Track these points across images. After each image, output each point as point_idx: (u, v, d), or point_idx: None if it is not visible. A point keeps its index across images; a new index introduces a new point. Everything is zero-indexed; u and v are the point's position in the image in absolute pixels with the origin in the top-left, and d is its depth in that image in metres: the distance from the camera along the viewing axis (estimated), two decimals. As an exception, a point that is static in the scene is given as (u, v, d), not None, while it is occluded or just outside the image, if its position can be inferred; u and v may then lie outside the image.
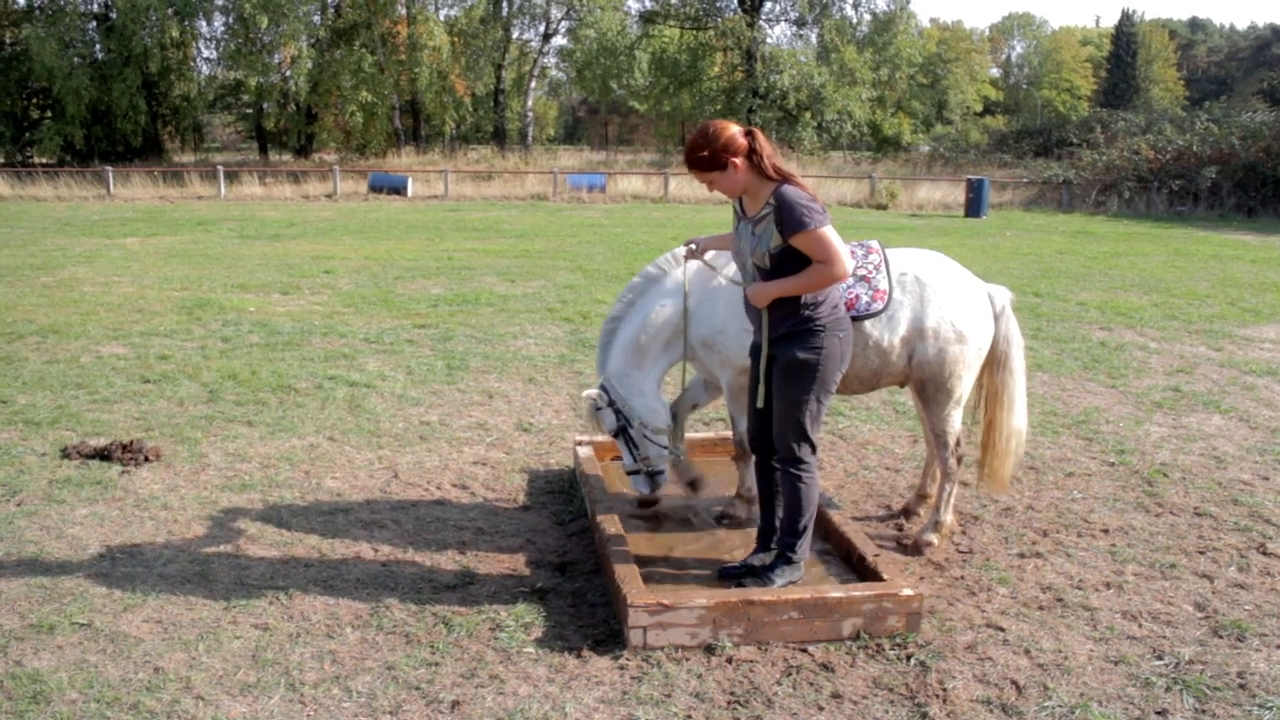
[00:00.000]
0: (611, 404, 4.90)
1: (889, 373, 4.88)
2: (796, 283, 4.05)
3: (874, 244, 4.86)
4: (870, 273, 4.73)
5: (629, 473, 5.03)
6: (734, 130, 4.05)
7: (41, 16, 38.79)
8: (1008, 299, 5.12)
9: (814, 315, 4.15)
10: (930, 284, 4.83)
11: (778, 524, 4.50)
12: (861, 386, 4.97)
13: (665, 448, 4.93)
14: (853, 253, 4.84)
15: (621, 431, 4.94)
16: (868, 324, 4.73)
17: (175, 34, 38.31)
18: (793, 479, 4.29)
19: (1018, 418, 5.17)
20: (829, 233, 4.00)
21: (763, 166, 4.05)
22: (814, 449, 4.30)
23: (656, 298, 4.94)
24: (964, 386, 4.93)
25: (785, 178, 4.08)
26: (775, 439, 4.32)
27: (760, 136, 4.07)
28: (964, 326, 4.83)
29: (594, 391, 4.89)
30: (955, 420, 4.99)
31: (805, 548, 4.42)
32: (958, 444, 5.03)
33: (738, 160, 4.04)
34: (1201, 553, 5.08)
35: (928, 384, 4.88)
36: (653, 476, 5.01)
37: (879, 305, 4.71)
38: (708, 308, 4.83)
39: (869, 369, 4.83)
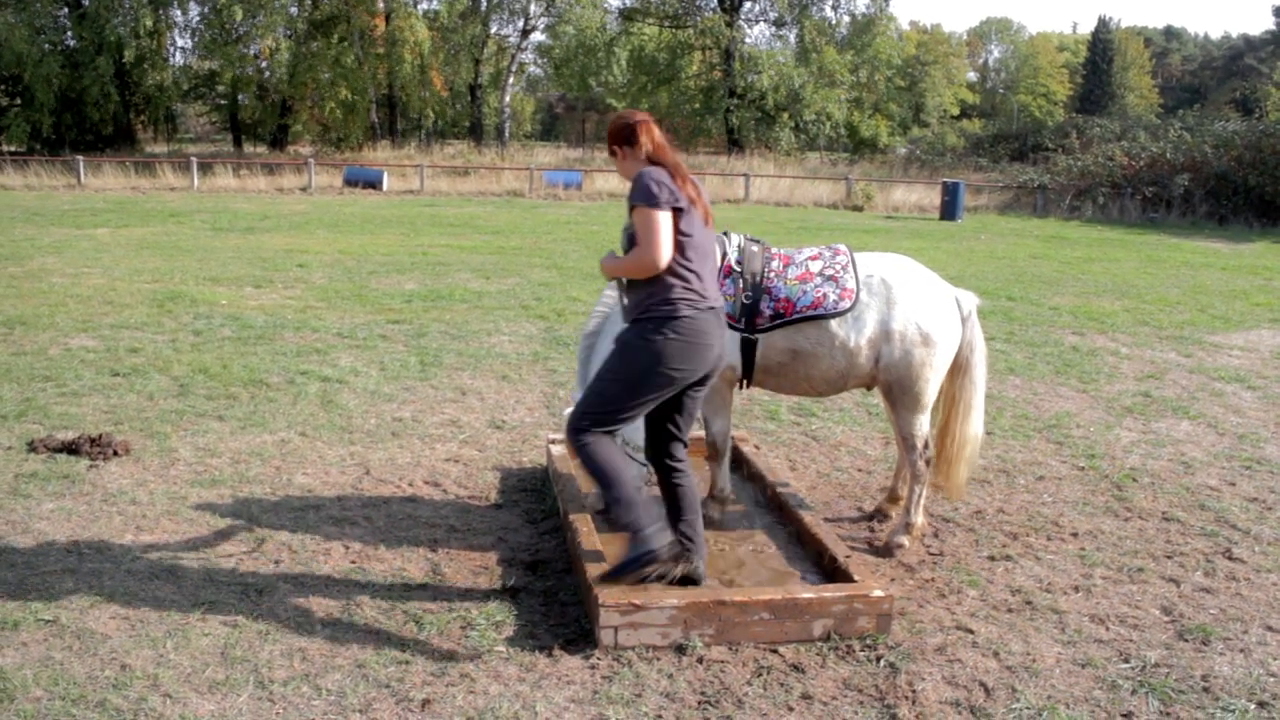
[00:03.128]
0: None
1: (855, 374, 4.90)
2: (620, 264, 4.10)
3: (842, 247, 4.93)
4: (838, 272, 4.78)
5: None
6: (625, 121, 4.17)
7: (11, 2, 38.30)
8: (974, 304, 5.15)
9: (650, 304, 4.04)
10: (897, 287, 4.85)
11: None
12: (829, 388, 4.98)
13: (645, 464, 4.90)
14: (819, 254, 4.87)
15: None
16: (834, 323, 4.75)
17: (149, 23, 37.95)
18: (577, 448, 4.11)
19: (973, 425, 5.20)
20: (660, 218, 3.93)
21: (639, 155, 4.13)
22: (594, 429, 4.08)
23: None
24: (931, 390, 4.95)
25: (656, 162, 4.10)
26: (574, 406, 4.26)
27: (649, 129, 4.13)
28: (930, 329, 4.85)
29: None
30: (923, 423, 5.02)
31: (638, 517, 4.09)
32: (926, 446, 5.06)
33: (620, 149, 4.18)
34: (1169, 557, 5.13)
35: (894, 387, 4.91)
36: None
37: (846, 304, 4.74)
38: None
39: (836, 370, 4.85)
